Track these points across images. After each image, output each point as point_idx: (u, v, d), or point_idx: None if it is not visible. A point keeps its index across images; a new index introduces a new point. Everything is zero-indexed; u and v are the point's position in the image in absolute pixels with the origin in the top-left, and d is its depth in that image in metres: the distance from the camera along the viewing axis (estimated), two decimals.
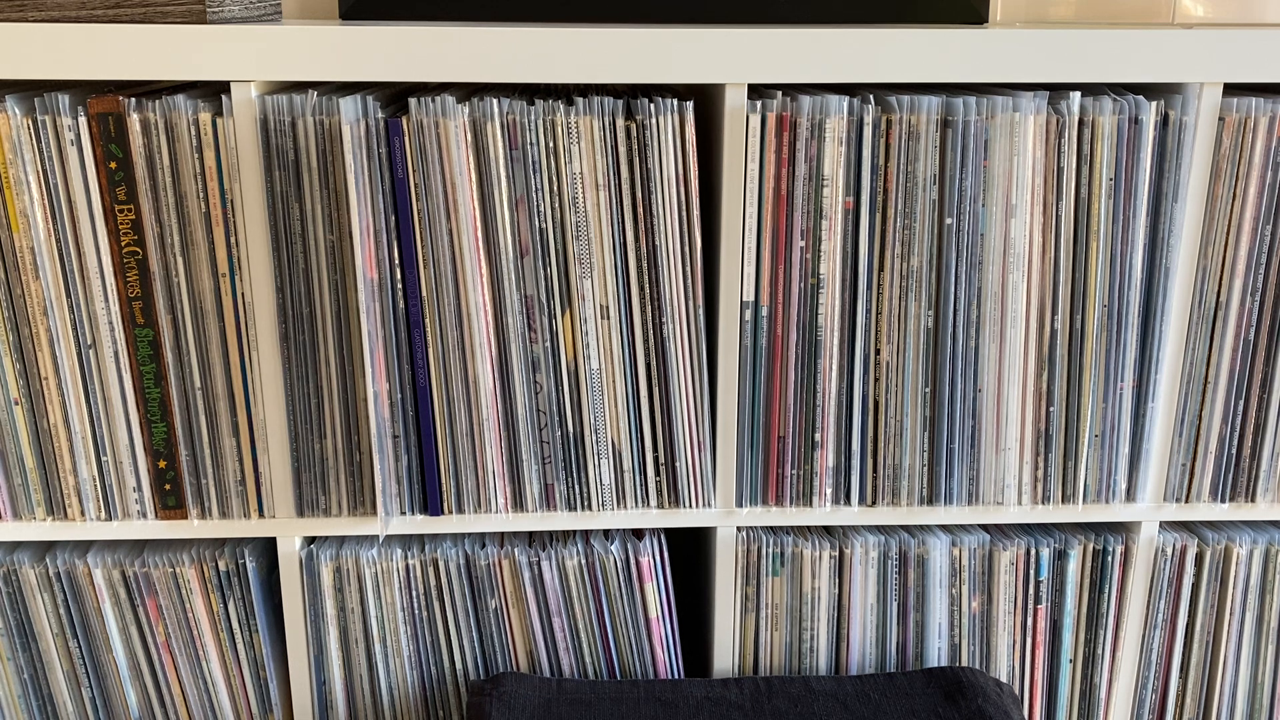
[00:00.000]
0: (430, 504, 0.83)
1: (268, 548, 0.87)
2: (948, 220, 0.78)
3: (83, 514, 0.82)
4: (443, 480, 0.82)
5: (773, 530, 0.87)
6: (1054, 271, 0.79)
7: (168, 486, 0.82)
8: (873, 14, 0.93)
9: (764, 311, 0.80)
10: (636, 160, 0.76)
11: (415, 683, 0.88)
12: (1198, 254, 0.80)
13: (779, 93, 0.77)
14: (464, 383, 0.80)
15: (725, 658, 0.89)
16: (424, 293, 0.78)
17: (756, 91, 0.79)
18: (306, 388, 0.80)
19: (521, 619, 0.87)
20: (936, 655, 0.89)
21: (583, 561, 0.85)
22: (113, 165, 0.74)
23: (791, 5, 0.92)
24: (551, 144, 0.75)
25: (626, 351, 0.80)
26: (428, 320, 0.78)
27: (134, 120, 0.73)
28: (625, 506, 0.84)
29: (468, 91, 0.83)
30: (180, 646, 0.87)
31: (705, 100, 0.84)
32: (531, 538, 0.87)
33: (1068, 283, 0.80)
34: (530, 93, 0.84)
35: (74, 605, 0.85)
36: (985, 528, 0.89)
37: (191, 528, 0.83)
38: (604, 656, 0.87)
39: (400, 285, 0.77)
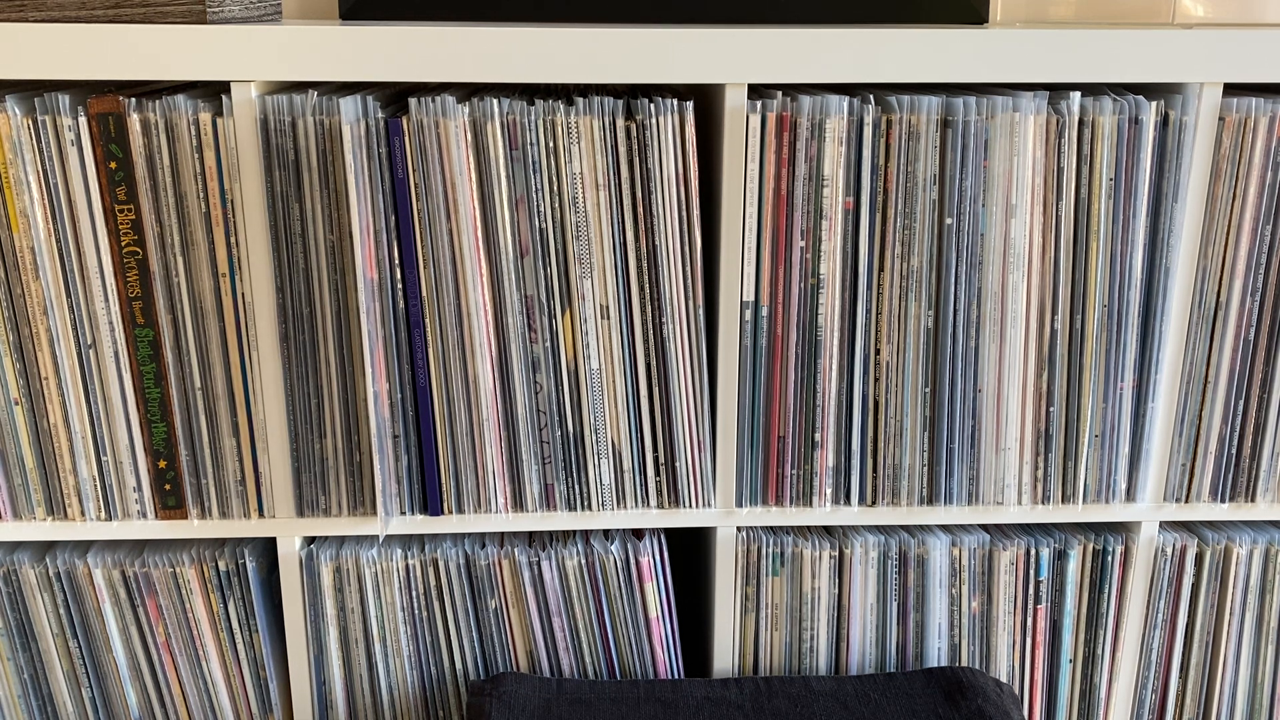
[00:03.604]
0: (430, 504, 0.83)
1: (268, 548, 0.87)
2: (948, 220, 0.78)
3: (83, 514, 0.82)
4: (443, 480, 0.82)
5: (773, 530, 0.87)
6: (1054, 271, 0.79)
7: (168, 486, 0.82)
8: (873, 14, 0.93)
9: (764, 311, 0.80)
10: (636, 160, 0.76)
11: (415, 683, 0.88)
12: (1198, 254, 0.80)
13: (779, 93, 0.77)
14: (464, 383, 0.80)
15: (725, 658, 0.89)
16: (424, 293, 0.78)
17: (756, 91, 0.79)
18: (306, 388, 0.80)
19: (521, 619, 0.87)
20: (936, 655, 0.89)
21: (583, 561, 0.85)
22: (113, 165, 0.74)
23: (791, 5, 0.92)
24: (551, 144, 0.75)
25: (626, 351, 0.80)
26: (428, 320, 0.78)
27: (134, 120, 0.73)
28: (625, 506, 0.84)
29: (468, 91, 0.83)
30: (180, 646, 0.87)
31: (705, 100, 0.84)
32: (531, 538, 0.87)
33: (1068, 283, 0.80)
34: (530, 93, 0.84)
35: (74, 605, 0.85)
36: (985, 528, 0.89)
37: (191, 528, 0.83)
38: (604, 656, 0.87)
39: (400, 285, 0.77)
